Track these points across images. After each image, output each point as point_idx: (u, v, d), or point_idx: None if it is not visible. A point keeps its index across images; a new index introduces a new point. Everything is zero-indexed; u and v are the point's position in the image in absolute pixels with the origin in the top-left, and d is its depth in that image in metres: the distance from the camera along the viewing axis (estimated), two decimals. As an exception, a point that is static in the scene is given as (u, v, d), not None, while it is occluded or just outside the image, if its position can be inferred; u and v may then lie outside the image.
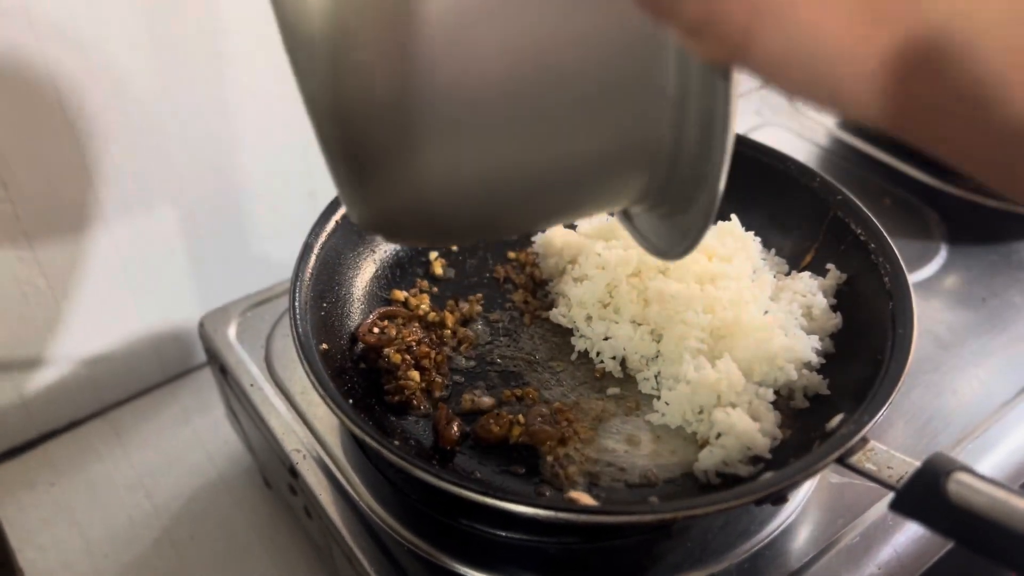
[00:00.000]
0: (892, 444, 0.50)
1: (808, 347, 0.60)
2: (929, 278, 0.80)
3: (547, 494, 0.56)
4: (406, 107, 0.33)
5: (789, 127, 1.01)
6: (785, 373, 0.58)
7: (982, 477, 0.44)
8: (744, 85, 1.09)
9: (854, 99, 0.26)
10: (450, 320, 0.68)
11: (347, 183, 0.38)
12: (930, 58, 0.24)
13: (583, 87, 0.34)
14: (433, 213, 0.38)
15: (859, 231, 0.64)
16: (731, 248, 0.65)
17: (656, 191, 0.40)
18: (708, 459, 0.55)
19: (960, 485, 0.43)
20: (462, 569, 0.55)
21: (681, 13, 0.27)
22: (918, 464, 0.46)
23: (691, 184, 0.38)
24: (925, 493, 0.45)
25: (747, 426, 0.55)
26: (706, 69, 0.34)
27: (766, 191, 0.71)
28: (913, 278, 0.60)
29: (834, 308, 0.64)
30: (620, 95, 0.35)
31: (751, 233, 0.67)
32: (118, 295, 0.81)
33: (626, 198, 0.42)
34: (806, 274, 0.66)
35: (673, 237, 0.44)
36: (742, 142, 0.74)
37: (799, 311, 0.62)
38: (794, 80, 0.27)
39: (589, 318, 0.66)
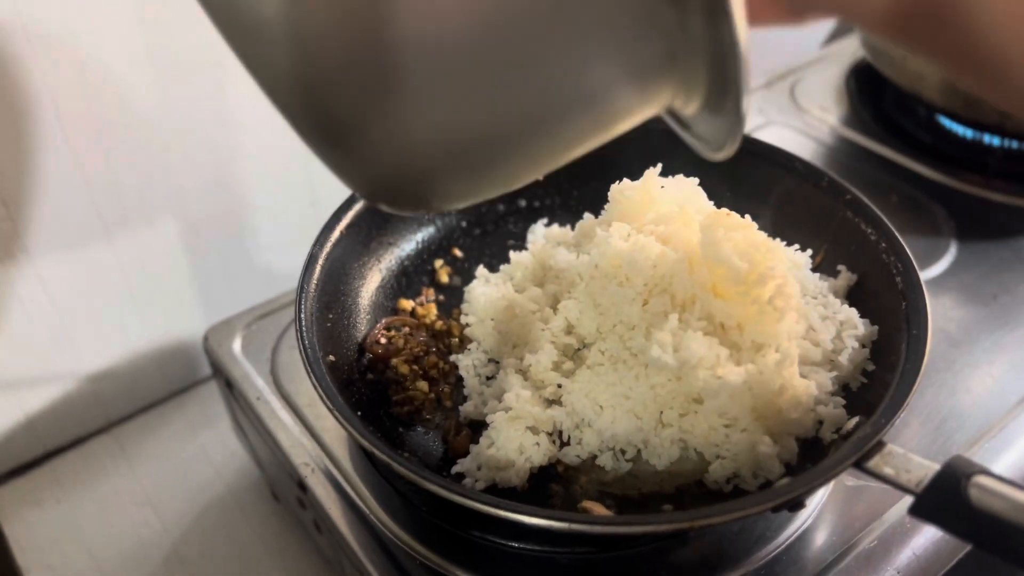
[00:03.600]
0: (907, 445, 0.49)
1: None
2: (939, 275, 0.79)
3: (559, 504, 0.56)
4: (379, 62, 0.31)
5: (794, 125, 1.01)
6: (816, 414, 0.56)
7: (1003, 480, 0.43)
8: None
9: None
10: (457, 329, 0.67)
11: (330, 157, 0.36)
12: None
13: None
14: (429, 171, 0.36)
15: (869, 231, 0.63)
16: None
17: (683, 86, 0.37)
18: (719, 472, 0.55)
19: (981, 489, 0.43)
20: (475, 581, 0.55)
21: None
22: (937, 467, 0.45)
23: (715, 71, 0.35)
24: (945, 497, 0.44)
25: (765, 450, 0.53)
26: None
27: (773, 192, 0.70)
28: (923, 276, 0.59)
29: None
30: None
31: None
32: (121, 310, 0.81)
33: (654, 102, 0.38)
34: (816, 276, 0.65)
35: (720, 133, 0.40)
36: (747, 142, 0.74)
37: (815, 314, 0.61)
38: None
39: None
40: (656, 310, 0.57)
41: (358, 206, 0.68)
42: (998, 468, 0.62)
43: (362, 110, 0.33)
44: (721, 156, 0.42)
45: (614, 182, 0.64)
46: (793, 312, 0.56)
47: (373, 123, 0.33)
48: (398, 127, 0.33)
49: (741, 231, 0.55)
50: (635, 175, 0.64)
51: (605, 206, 0.65)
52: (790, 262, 0.62)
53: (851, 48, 1.15)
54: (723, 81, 0.35)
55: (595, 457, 0.57)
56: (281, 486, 0.72)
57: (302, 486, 0.63)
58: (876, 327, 0.60)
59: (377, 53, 0.31)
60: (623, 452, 0.57)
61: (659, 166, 0.63)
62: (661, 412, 0.56)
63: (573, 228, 0.71)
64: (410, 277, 0.72)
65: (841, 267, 0.65)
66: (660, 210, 0.61)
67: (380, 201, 0.41)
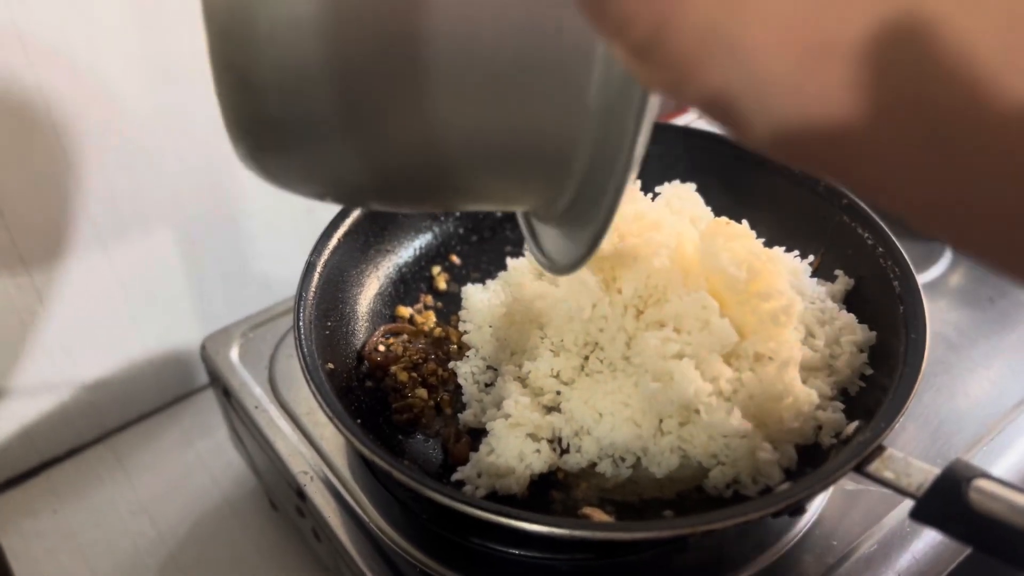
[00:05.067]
0: (906, 449, 0.49)
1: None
2: (936, 279, 0.79)
3: (559, 510, 0.56)
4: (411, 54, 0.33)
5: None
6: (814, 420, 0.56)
7: (1003, 483, 0.43)
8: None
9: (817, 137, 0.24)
10: (455, 336, 0.67)
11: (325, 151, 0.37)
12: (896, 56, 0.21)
13: (507, 67, 0.34)
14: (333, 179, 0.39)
15: (866, 235, 0.63)
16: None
17: (561, 198, 0.40)
18: (719, 478, 0.55)
19: (981, 493, 0.43)
20: (475, 589, 0.55)
21: (629, 32, 0.25)
22: (937, 471, 0.45)
23: (591, 199, 0.38)
24: (946, 501, 0.44)
25: (765, 456, 0.53)
26: (625, 92, 0.34)
27: (769, 197, 0.70)
28: (920, 279, 0.59)
29: (843, 314, 0.63)
30: (540, 87, 0.35)
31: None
32: (117, 319, 0.80)
33: (529, 198, 0.42)
34: (814, 280, 0.65)
35: (566, 250, 0.44)
36: (744, 149, 0.74)
37: (813, 319, 0.61)
38: (750, 124, 0.25)
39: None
40: (651, 319, 0.57)
41: (356, 213, 0.68)
42: (997, 471, 0.62)
43: (393, 98, 0.35)
44: (553, 268, 0.46)
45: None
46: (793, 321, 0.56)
47: (404, 110, 0.35)
48: (420, 116, 0.35)
49: (740, 240, 0.56)
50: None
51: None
52: (788, 269, 0.62)
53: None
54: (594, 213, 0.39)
55: (595, 464, 0.57)
56: (279, 495, 0.71)
57: (301, 494, 0.62)
58: (874, 332, 0.60)
59: (409, 46, 0.33)
60: (623, 459, 0.57)
61: (638, 182, 0.63)
62: (660, 420, 0.56)
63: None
64: (408, 284, 0.72)
65: (838, 272, 0.65)
66: (652, 218, 0.61)
67: (373, 197, 0.43)
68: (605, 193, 0.37)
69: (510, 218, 0.78)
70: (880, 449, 0.48)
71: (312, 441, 0.65)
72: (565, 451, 0.58)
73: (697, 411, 0.54)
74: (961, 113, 0.21)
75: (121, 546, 0.76)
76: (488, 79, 0.34)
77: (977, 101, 0.21)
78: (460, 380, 0.64)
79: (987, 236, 0.23)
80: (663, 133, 0.74)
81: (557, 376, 0.60)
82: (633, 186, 0.63)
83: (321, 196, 0.41)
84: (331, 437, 0.65)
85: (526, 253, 0.72)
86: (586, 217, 0.40)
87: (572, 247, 0.43)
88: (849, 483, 0.61)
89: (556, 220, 0.44)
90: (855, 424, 0.54)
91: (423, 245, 0.74)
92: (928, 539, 0.58)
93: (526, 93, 0.35)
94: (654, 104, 0.33)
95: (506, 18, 0.33)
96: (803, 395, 0.54)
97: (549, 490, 0.57)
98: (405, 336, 0.66)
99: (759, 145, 0.25)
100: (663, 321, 0.56)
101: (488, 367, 0.64)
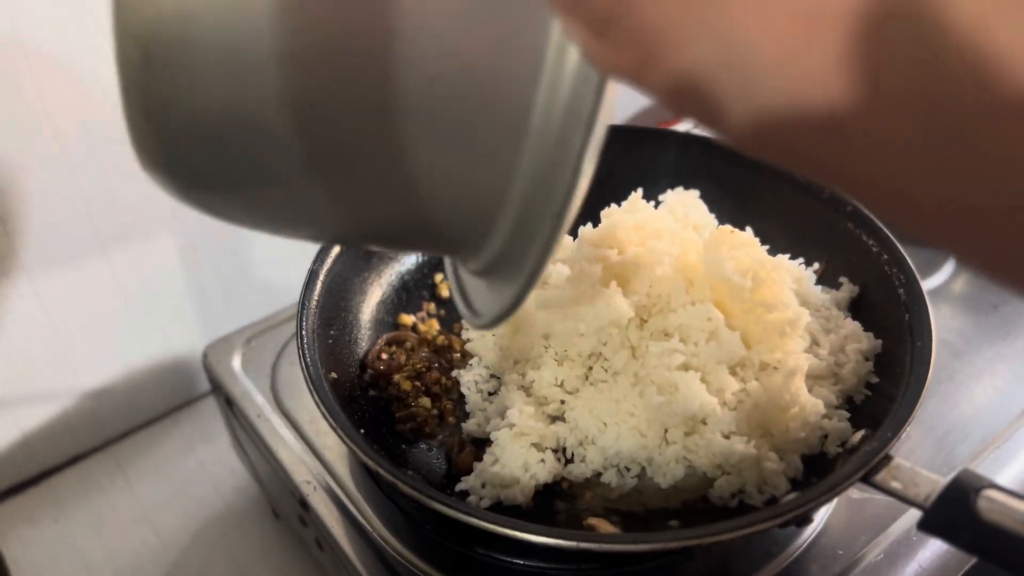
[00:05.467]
0: (911, 457, 0.49)
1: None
2: (939, 286, 0.79)
3: (563, 520, 0.55)
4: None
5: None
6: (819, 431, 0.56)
7: (1012, 493, 0.43)
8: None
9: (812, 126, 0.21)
10: (458, 344, 0.67)
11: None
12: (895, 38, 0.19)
13: (437, 89, 0.30)
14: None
15: (871, 242, 0.63)
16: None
17: (490, 244, 0.36)
18: (725, 487, 0.54)
19: (990, 503, 0.43)
20: (479, 599, 0.54)
21: (587, 2, 0.22)
22: (945, 481, 0.45)
23: (520, 248, 0.34)
24: (954, 512, 0.44)
25: (771, 466, 0.53)
26: (572, 112, 0.29)
27: (774, 204, 0.70)
28: (924, 286, 0.59)
29: (848, 321, 0.63)
30: (474, 113, 0.31)
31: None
32: (118, 326, 0.80)
33: (455, 243, 0.38)
34: (818, 288, 0.65)
35: (489, 303, 0.39)
36: (747, 156, 0.74)
37: (818, 328, 0.61)
38: (726, 109, 0.22)
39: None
40: (655, 329, 0.57)
41: (358, 221, 0.67)
42: (1003, 480, 0.62)
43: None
44: (478, 322, 0.41)
45: (613, 193, 0.64)
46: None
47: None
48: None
49: (744, 249, 0.55)
50: (631, 188, 0.64)
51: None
52: (793, 277, 0.62)
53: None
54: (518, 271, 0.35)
55: (600, 474, 0.57)
56: (282, 503, 0.71)
57: (304, 504, 0.62)
58: (879, 340, 0.60)
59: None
60: (628, 469, 0.57)
61: (640, 191, 0.63)
62: (666, 430, 0.56)
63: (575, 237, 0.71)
64: (411, 292, 0.72)
65: (843, 279, 0.65)
66: (655, 227, 0.61)
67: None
68: (539, 234, 0.32)
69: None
70: (887, 459, 0.48)
71: (315, 450, 0.65)
72: (570, 461, 0.58)
73: (703, 421, 0.54)
74: (971, 98, 0.19)
75: (123, 554, 0.76)
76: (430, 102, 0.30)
77: (990, 85, 0.18)
78: (463, 389, 0.63)
79: (993, 239, 0.21)
80: (665, 140, 0.74)
81: (561, 385, 0.59)
82: (636, 193, 0.63)
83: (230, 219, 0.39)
84: (334, 446, 0.65)
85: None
86: (517, 265, 0.35)
87: (496, 300, 0.38)
88: (855, 491, 0.61)
89: (485, 270, 0.39)
90: (861, 433, 0.54)
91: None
92: (934, 548, 0.58)
93: (465, 114, 0.31)
94: (600, 132, 0.29)
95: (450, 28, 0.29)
96: (809, 405, 0.54)
97: (554, 500, 0.57)
98: (408, 344, 0.66)
99: (738, 137, 0.23)
100: (668, 331, 0.56)
101: (491, 376, 0.64)
